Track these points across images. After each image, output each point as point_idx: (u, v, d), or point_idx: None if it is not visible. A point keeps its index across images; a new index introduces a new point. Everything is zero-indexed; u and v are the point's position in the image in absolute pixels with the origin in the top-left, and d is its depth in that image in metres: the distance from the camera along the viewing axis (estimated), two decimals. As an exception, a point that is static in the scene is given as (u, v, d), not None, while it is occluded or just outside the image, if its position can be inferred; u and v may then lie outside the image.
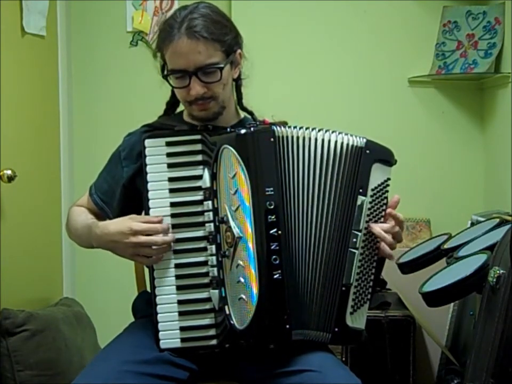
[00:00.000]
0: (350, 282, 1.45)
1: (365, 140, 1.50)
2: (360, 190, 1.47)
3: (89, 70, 3.02)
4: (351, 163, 1.48)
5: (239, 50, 1.59)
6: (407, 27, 2.93)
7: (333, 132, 1.49)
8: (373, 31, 2.95)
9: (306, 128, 1.48)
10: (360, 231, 1.46)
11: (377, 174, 1.49)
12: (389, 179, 1.50)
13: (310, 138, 1.47)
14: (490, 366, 1.58)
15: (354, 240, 1.46)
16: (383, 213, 1.49)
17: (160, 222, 1.48)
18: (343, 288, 1.45)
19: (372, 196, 1.48)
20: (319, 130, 1.49)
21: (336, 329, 1.45)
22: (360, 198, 1.47)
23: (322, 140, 1.48)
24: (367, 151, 1.48)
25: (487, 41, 2.78)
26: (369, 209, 1.48)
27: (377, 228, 1.46)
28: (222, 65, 1.51)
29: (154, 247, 1.47)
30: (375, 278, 1.50)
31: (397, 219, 1.49)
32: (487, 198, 2.90)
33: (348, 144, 1.48)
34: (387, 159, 1.51)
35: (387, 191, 1.50)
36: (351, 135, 1.50)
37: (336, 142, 1.48)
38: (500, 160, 2.71)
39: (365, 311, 1.47)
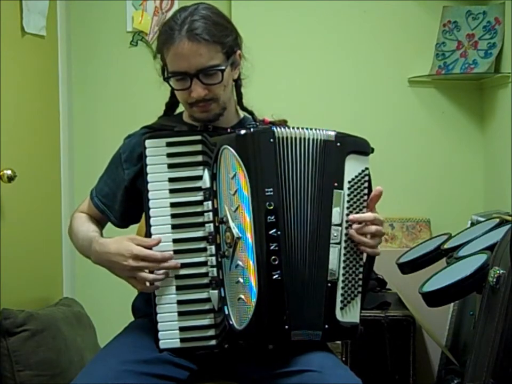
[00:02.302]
0: (336, 278, 1.45)
1: (333, 133, 1.49)
2: (336, 184, 1.46)
3: (89, 70, 3.02)
4: (322, 158, 1.47)
5: (239, 51, 1.59)
6: (407, 27, 2.93)
7: (305, 129, 1.48)
8: (373, 31, 2.95)
9: (305, 128, 1.48)
10: (340, 225, 1.46)
11: (352, 166, 1.48)
12: (367, 169, 1.49)
13: (307, 139, 1.47)
14: (490, 366, 1.58)
15: (336, 235, 1.46)
16: (365, 203, 1.48)
17: (159, 242, 1.47)
18: (329, 285, 1.45)
19: (349, 188, 1.47)
20: (311, 129, 1.48)
21: (327, 326, 1.45)
22: (336, 192, 1.46)
23: (314, 139, 1.48)
24: (338, 144, 1.48)
25: (487, 41, 2.78)
26: (348, 201, 1.47)
27: (357, 236, 1.45)
28: (223, 67, 1.51)
29: (153, 274, 1.46)
30: (367, 270, 1.50)
31: (370, 220, 1.46)
32: (487, 198, 2.90)
33: (317, 140, 1.48)
34: (361, 149, 1.50)
35: (366, 181, 1.49)
36: (319, 130, 1.49)
37: (308, 139, 1.47)
38: (500, 160, 2.71)
39: (357, 304, 1.47)
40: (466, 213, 2.65)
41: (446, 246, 2.13)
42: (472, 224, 2.40)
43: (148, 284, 1.47)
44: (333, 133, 1.49)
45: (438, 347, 2.60)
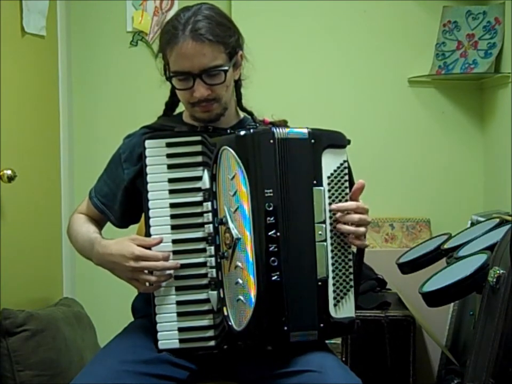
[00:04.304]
0: (326, 275, 1.45)
1: (307, 130, 1.48)
2: (314, 182, 1.46)
3: (89, 70, 3.02)
4: (299, 156, 1.46)
5: (240, 52, 1.59)
6: (407, 27, 2.93)
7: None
8: (373, 31, 2.95)
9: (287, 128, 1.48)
10: (323, 222, 1.45)
11: (329, 161, 1.47)
12: (345, 161, 1.48)
13: (295, 139, 1.47)
14: (490, 366, 1.58)
15: (320, 232, 1.45)
16: (347, 196, 1.47)
17: (160, 241, 1.47)
18: (319, 283, 1.44)
19: (329, 184, 1.46)
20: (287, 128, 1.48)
21: (322, 325, 1.44)
22: (316, 189, 1.46)
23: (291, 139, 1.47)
24: (312, 141, 1.47)
25: (487, 41, 2.78)
26: (329, 197, 1.46)
27: (345, 226, 1.45)
28: (226, 68, 1.51)
29: (154, 275, 1.46)
30: (358, 262, 1.50)
31: (353, 209, 1.45)
32: (487, 198, 2.90)
33: (294, 139, 1.47)
34: (337, 142, 1.49)
35: (346, 174, 1.48)
36: (292, 128, 1.48)
37: (296, 139, 1.47)
38: (500, 160, 2.71)
39: (350, 298, 1.47)
40: (466, 213, 2.65)
41: (446, 246, 2.13)
42: (472, 224, 2.40)
43: (148, 284, 1.47)
44: (305, 130, 1.48)
45: (438, 347, 2.60)
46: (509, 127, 2.54)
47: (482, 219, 2.33)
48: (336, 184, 1.47)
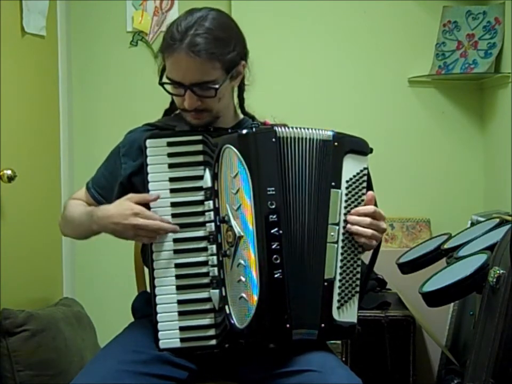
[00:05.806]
0: (333, 277, 1.45)
1: (331, 133, 1.49)
2: (333, 184, 1.47)
3: (89, 70, 3.02)
4: (320, 158, 1.47)
5: (243, 62, 1.58)
6: (407, 27, 2.94)
7: (305, 129, 1.49)
8: (373, 31, 2.95)
9: (305, 128, 1.48)
10: (337, 224, 1.46)
11: (350, 165, 1.48)
12: (365, 168, 1.49)
13: (307, 139, 1.48)
14: (490, 366, 1.58)
15: (332, 234, 1.46)
16: (363, 203, 1.48)
17: (157, 198, 1.49)
18: (325, 284, 1.45)
19: (347, 188, 1.48)
20: (310, 129, 1.49)
21: (323, 325, 1.45)
22: (334, 191, 1.47)
23: (313, 139, 1.48)
24: (335, 144, 1.48)
25: (487, 41, 2.78)
26: (346, 201, 1.47)
27: (354, 227, 1.46)
28: (217, 85, 1.50)
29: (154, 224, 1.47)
30: (368, 268, 1.50)
31: (370, 214, 1.46)
32: (487, 198, 2.90)
33: (316, 140, 1.48)
34: (360, 149, 1.50)
35: (365, 181, 1.49)
36: (318, 130, 1.49)
37: (308, 139, 1.48)
38: (500, 160, 2.71)
39: (354, 303, 1.47)
40: (466, 213, 2.65)
41: (446, 246, 2.13)
42: (472, 224, 2.40)
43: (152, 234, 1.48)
44: (330, 133, 1.50)
45: (438, 347, 2.60)
46: (509, 127, 2.54)
47: (482, 219, 2.33)
48: (353, 189, 1.48)
